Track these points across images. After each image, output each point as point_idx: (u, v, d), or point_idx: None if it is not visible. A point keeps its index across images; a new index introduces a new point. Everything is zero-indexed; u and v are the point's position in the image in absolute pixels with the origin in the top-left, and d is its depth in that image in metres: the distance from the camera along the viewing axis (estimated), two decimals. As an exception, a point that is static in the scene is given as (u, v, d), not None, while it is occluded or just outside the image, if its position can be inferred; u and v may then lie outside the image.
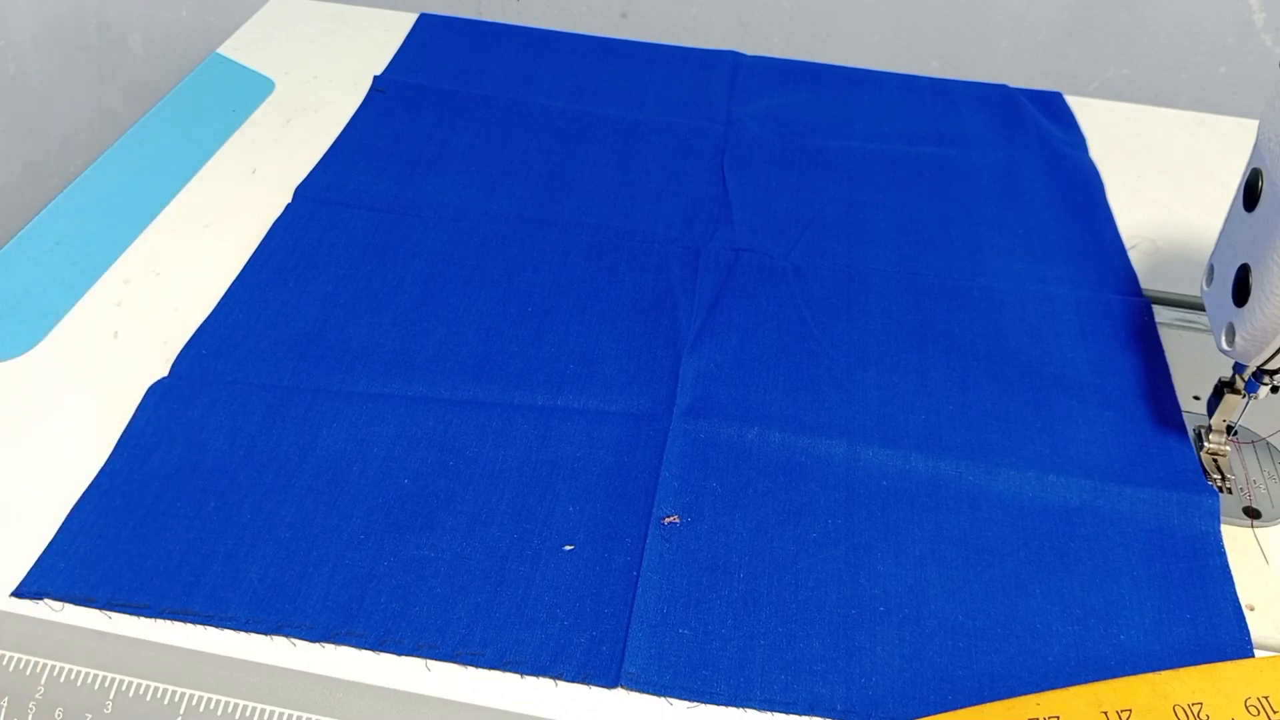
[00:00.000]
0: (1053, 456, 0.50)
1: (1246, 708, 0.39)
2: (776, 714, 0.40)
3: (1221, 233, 0.49)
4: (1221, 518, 0.48)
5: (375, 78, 0.75)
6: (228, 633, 0.41)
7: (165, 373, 0.51)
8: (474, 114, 0.72)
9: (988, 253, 0.63)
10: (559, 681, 0.40)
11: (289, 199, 0.63)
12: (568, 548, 0.45)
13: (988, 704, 0.40)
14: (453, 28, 0.83)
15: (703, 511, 0.47)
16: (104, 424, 0.49)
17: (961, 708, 0.40)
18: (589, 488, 0.47)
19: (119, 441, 0.48)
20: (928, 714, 0.40)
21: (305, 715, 0.39)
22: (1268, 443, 0.52)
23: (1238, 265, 0.45)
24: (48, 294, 0.56)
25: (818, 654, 0.42)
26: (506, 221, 0.63)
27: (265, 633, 0.41)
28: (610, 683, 0.40)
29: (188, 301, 0.56)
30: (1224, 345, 0.47)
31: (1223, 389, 0.50)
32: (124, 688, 0.39)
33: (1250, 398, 0.49)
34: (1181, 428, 0.52)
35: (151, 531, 0.44)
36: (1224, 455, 0.51)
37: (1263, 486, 0.50)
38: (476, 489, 0.47)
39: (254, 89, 0.74)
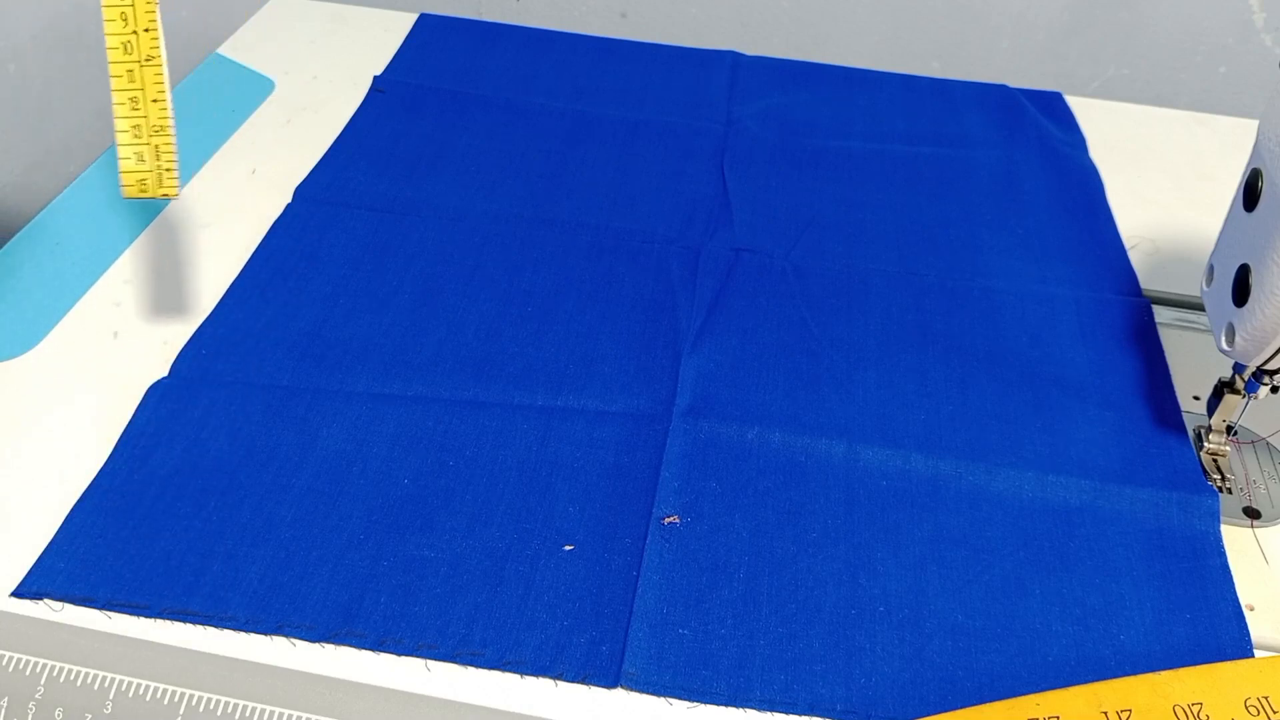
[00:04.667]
0: (1053, 456, 0.50)
1: (1246, 708, 0.39)
2: (776, 714, 0.40)
3: (1221, 233, 0.49)
4: (1221, 518, 0.48)
5: (375, 78, 0.75)
6: (228, 633, 0.41)
7: (165, 373, 0.51)
8: (474, 114, 0.72)
9: (988, 253, 0.63)
10: (559, 681, 0.40)
11: (289, 199, 0.63)
12: (568, 548, 0.45)
13: (988, 704, 0.40)
14: (453, 28, 0.83)
15: (703, 511, 0.47)
16: (104, 424, 0.49)
17: (961, 708, 0.40)
18: (589, 488, 0.47)
19: (119, 441, 0.48)
20: (928, 714, 0.40)
21: (305, 715, 0.39)
22: (1268, 443, 0.52)
23: (1238, 265, 0.45)
24: (48, 294, 0.56)
25: (818, 654, 0.42)
26: (506, 221, 0.63)
27: (265, 633, 0.41)
28: (610, 683, 0.40)
29: (188, 301, 0.56)
30: (1224, 345, 0.47)
31: (1223, 389, 0.50)
32: (124, 688, 0.39)
33: (1250, 398, 0.49)
34: (1181, 428, 0.52)
35: (151, 531, 0.44)
36: (1224, 455, 0.51)
37: (1263, 486, 0.50)
38: (476, 489, 0.47)
39: (254, 89, 0.74)
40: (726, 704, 0.40)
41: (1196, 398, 0.54)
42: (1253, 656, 0.42)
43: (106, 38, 0.44)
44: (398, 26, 0.83)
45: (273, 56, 0.78)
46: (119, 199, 0.63)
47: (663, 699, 0.40)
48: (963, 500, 0.48)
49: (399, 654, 0.41)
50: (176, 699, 0.39)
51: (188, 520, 0.45)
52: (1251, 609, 0.45)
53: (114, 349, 0.53)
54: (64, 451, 0.48)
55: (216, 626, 0.41)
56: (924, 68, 0.94)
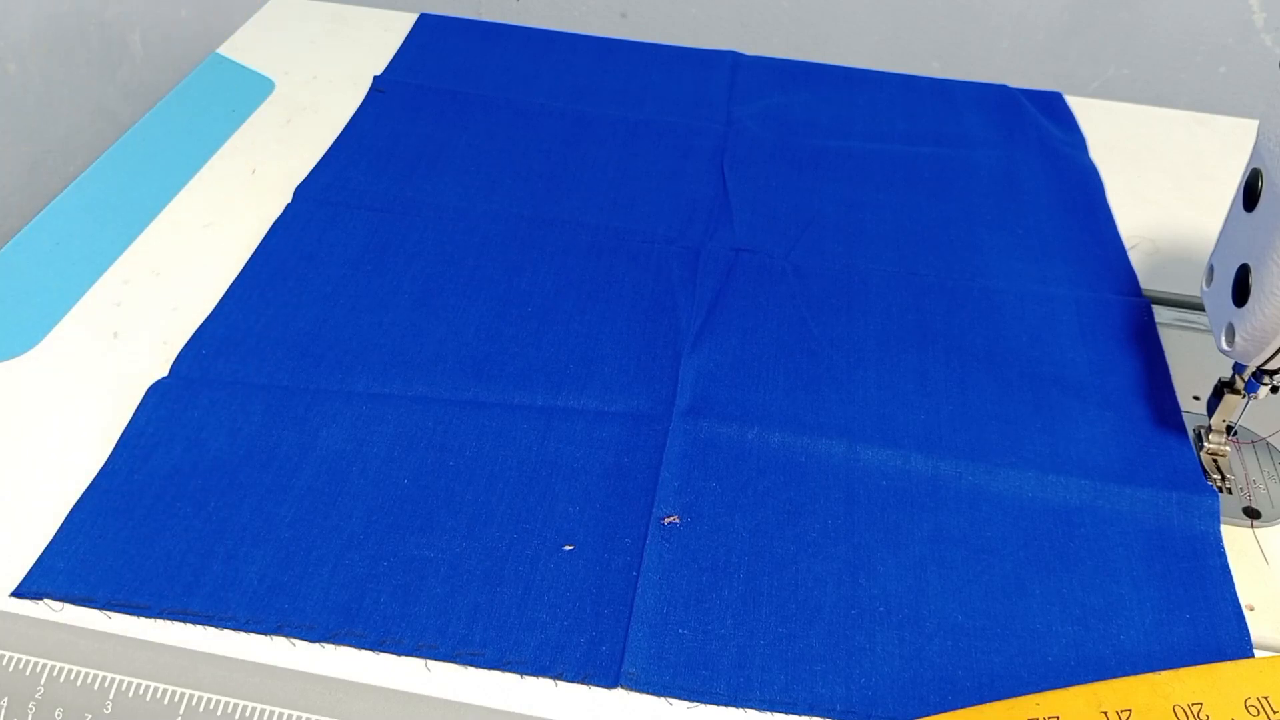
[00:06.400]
0: (1053, 456, 0.50)
1: (1246, 708, 0.39)
2: (776, 714, 0.40)
3: (1221, 233, 0.49)
4: (1221, 518, 0.48)
5: (375, 78, 0.75)
6: (228, 633, 0.41)
7: (165, 373, 0.51)
8: (474, 114, 0.72)
9: (988, 253, 0.63)
10: (559, 681, 0.40)
11: (289, 199, 0.63)
12: (567, 548, 0.45)
13: (988, 704, 0.40)
14: (453, 28, 0.83)
15: (703, 511, 0.47)
16: (104, 424, 0.49)
17: (961, 708, 0.40)
18: (589, 488, 0.47)
19: (119, 441, 0.48)
20: (928, 714, 0.40)
21: (305, 715, 0.39)
22: (1268, 443, 0.52)
23: (1238, 265, 0.45)
24: (48, 294, 0.56)
25: (818, 654, 0.42)
26: (506, 221, 0.63)
27: (265, 633, 0.41)
28: (610, 683, 0.40)
29: (188, 301, 0.56)
30: (1224, 345, 0.47)
31: (1223, 389, 0.50)
32: (124, 688, 0.39)
33: (1250, 398, 0.49)
34: (1181, 428, 0.52)
35: (151, 531, 0.44)
36: (1224, 455, 0.51)
37: (1263, 486, 0.50)
38: (476, 489, 0.47)
39: (254, 89, 0.74)
40: (726, 704, 0.40)
41: (1196, 398, 0.54)
42: (1253, 656, 0.42)
43: None
44: (398, 26, 0.83)
45: (273, 56, 0.78)
46: (119, 199, 0.63)
47: (663, 699, 0.40)
48: (963, 500, 0.48)
49: (399, 654, 0.41)
50: (176, 699, 0.39)
51: (188, 520, 0.45)
52: (1251, 609, 0.45)
53: (114, 349, 0.53)
54: (64, 451, 0.48)
55: (216, 626, 0.41)
56: (924, 68, 0.94)
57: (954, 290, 0.60)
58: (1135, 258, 0.64)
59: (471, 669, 0.41)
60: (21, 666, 0.40)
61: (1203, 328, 0.59)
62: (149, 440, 0.48)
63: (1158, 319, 0.59)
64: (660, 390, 0.52)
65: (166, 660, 0.40)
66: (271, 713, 0.39)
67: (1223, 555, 0.46)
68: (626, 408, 0.51)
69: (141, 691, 0.39)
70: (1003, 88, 0.79)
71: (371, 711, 0.39)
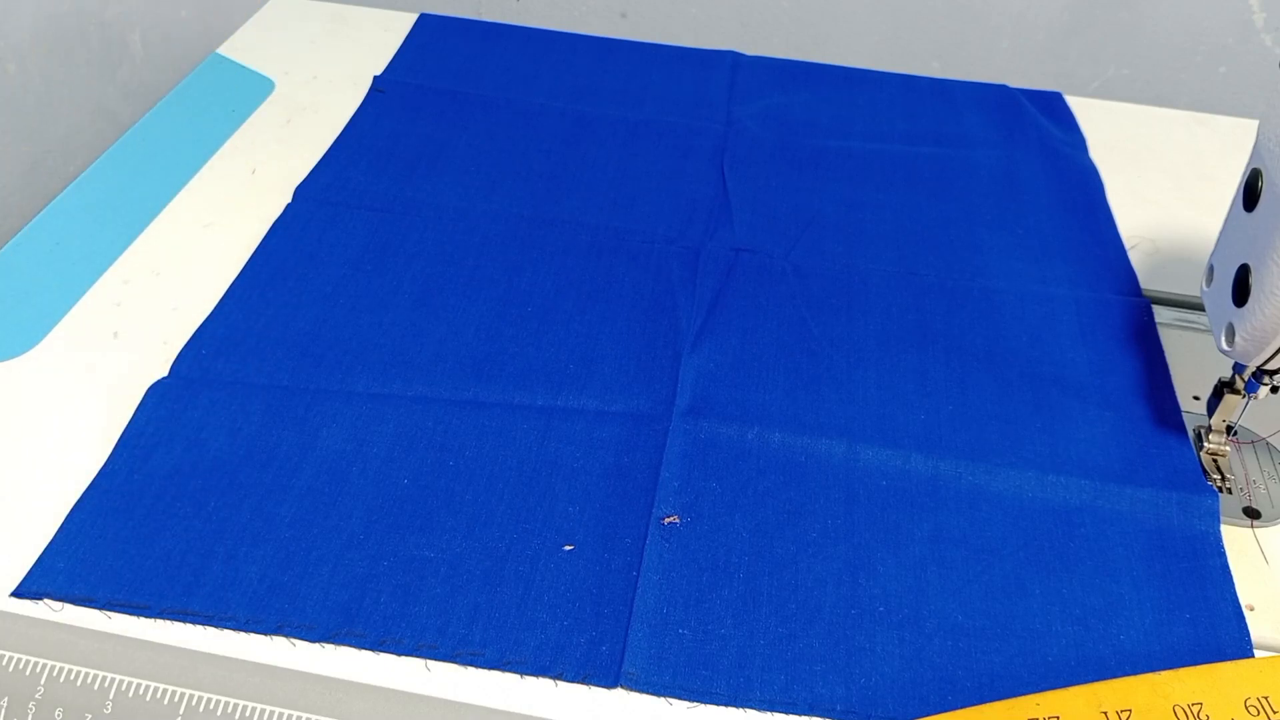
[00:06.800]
0: (1053, 456, 0.50)
1: (1246, 708, 0.39)
2: (776, 714, 0.40)
3: (1221, 233, 0.49)
4: (1221, 518, 0.48)
5: (375, 78, 0.75)
6: (228, 633, 0.41)
7: (165, 373, 0.51)
8: (474, 114, 0.72)
9: (988, 253, 0.63)
10: (559, 681, 0.40)
11: (289, 199, 0.63)
12: (567, 548, 0.45)
13: (988, 704, 0.40)
14: (453, 28, 0.83)
15: (703, 511, 0.47)
16: (104, 424, 0.49)
17: (961, 708, 0.40)
18: (589, 488, 0.47)
19: (119, 441, 0.48)
20: (928, 714, 0.40)
21: (305, 715, 0.39)
22: (1268, 443, 0.52)
23: (1237, 265, 0.45)
24: (48, 294, 0.56)
25: (817, 654, 0.42)
26: (506, 221, 0.63)
27: (265, 633, 0.41)
28: (610, 683, 0.40)
29: (188, 301, 0.56)
30: (1224, 345, 0.47)
31: (1223, 389, 0.50)
32: (124, 688, 0.39)
33: (1250, 398, 0.49)
34: (1181, 428, 0.52)
35: (151, 531, 0.44)
36: (1224, 455, 0.51)
37: (1263, 486, 0.50)
38: (476, 489, 0.47)
39: (254, 89, 0.74)
40: (726, 704, 0.40)
41: (1196, 398, 0.54)
42: (1253, 656, 0.42)
43: None
44: (398, 26, 0.83)
45: (273, 56, 0.78)
46: (119, 199, 0.63)
47: (663, 699, 0.40)
48: (963, 500, 0.48)
49: (399, 654, 0.41)
50: (176, 699, 0.39)
51: (188, 520, 0.45)
52: (1251, 609, 0.45)
53: (114, 349, 0.53)
54: (64, 451, 0.48)
55: (216, 626, 0.41)
56: (924, 68, 0.94)
57: (954, 290, 0.60)
58: (1135, 258, 0.64)
59: (471, 669, 0.41)
60: (21, 666, 0.40)
61: (1203, 328, 0.59)
62: (149, 440, 0.48)
63: (1158, 319, 0.59)
64: (660, 390, 0.52)
65: (166, 660, 0.40)
66: (271, 713, 0.39)
67: (1223, 555, 0.46)
68: (626, 408, 0.51)
69: (141, 691, 0.39)
70: (1003, 88, 0.79)
71: (371, 711, 0.39)
